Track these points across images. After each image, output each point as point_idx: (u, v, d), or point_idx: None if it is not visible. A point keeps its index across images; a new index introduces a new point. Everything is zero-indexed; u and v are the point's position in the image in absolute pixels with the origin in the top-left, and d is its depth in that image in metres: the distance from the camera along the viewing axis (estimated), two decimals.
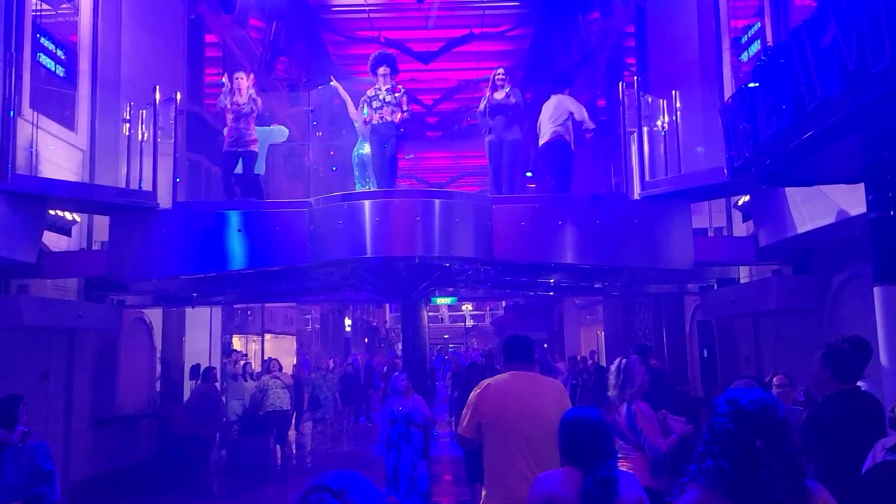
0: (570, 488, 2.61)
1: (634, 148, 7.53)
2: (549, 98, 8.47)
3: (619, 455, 4.10)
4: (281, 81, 13.92)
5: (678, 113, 7.64)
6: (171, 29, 10.05)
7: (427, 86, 14.98)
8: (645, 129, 7.47)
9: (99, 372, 9.15)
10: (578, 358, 13.62)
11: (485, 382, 3.75)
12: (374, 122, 7.72)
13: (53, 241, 7.65)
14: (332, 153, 9.51)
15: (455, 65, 14.48)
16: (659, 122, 7.65)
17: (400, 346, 17.20)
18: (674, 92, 7.71)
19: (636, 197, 7.49)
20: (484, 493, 3.63)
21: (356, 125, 8.47)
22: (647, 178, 7.44)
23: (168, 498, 8.93)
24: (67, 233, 7.87)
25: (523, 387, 3.62)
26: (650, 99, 7.71)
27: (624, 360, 4.34)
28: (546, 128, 8.18)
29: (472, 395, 3.72)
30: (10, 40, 6.45)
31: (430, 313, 11.23)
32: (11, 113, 6.28)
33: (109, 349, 9.31)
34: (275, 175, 9.89)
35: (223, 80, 8.19)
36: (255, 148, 7.96)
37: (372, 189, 7.85)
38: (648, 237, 7.45)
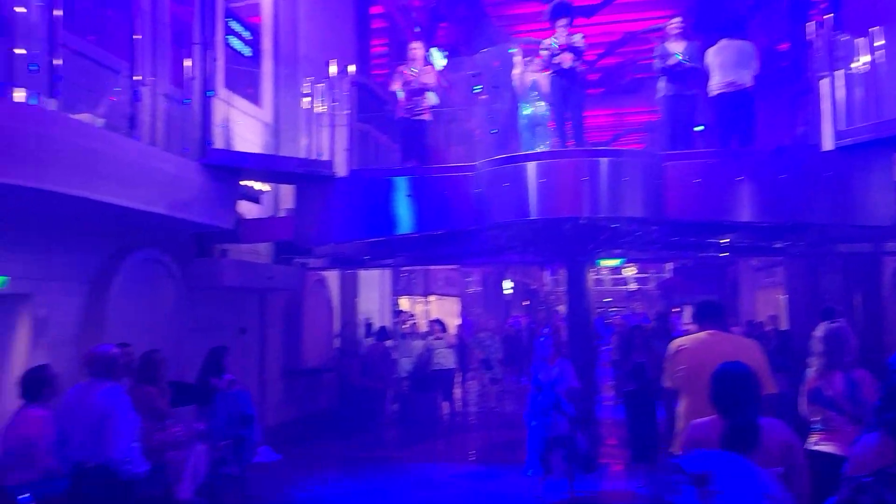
0: (713, 434, 2.85)
1: (826, 93, 6.84)
2: (717, 43, 7.90)
3: (825, 428, 3.85)
4: (442, 48, 14.13)
5: (879, 52, 6.81)
6: (343, 4, 10.52)
7: (589, 41, 14.48)
8: (839, 73, 6.75)
9: (286, 328, 10.02)
10: (755, 323, 12.81)
11: (680, 340, 4.26)
12: (555, 69, 7.72)
13: (246, 209, 8.41)
14: (492, 116, 9.56)
15: (619, 17, 13.84)
16: (855, 64, 6.87)
17: (561, 308, 17.10)
18: (873, 29, 6.88)
19: (828, 147, 6.83)
20: (678, 436, 3.86)
21: (514, 85, 8.47)
22: (841, 126, 6.75)
23: (349, 444, 9.66)
24: (257, 201, 8.61)
25: (717, 344, 3.98)
26: (845, 38, 6.94)
27: (833, 326, 4.05)
28: (724, 76, 7.64)
29: (669, 350, 4.25)
30: (205, 27, 7.08)
31: (593, 276, 11.03)
32: (210, 93, 6.94)
33: (295, 308, 10.13)
34: (437, 140, 10.13)
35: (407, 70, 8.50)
36: (427, 116, 8.24)
37: (542, 150, 7.83)
38: (841, 191, 6.79)
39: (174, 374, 6.74)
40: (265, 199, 8.89)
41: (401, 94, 8.26)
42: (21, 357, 5.88)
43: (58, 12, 5.26)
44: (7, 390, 5.73)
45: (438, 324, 12.57)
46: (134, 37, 6.47)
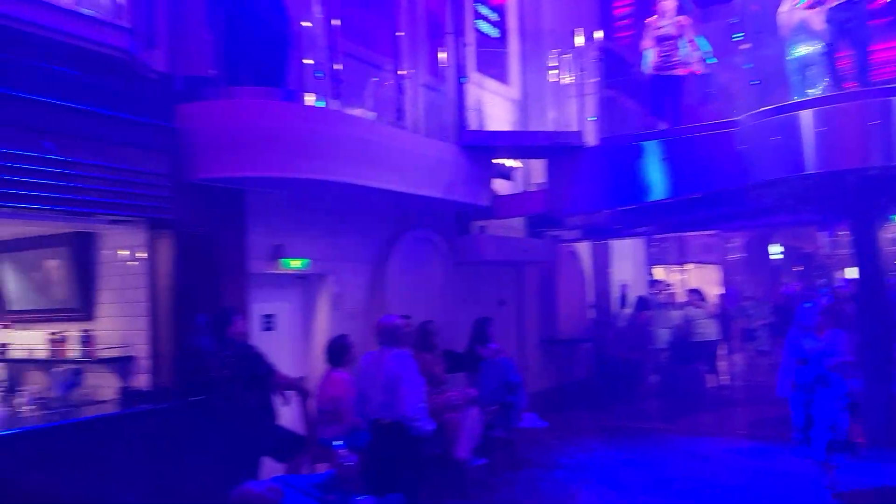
0: None
1: None
2: None
3: None
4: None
5: None
6: None
7: None
8: None
9: (542, 300, 10.26)
10: None
11: None
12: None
13: (499, 187, 8.74)
14: (755, 65, 8.73)
15: None
16: None
17: (842, 274, 15.22)
18: None
19: None
20: None
21: (780, 26, 7.62)
22: None
23: (607, 413, 9.64)
24: (509, 177, 8.91)
25: None
26: None
27: None
28: None
29: None
30: (456, 16, 7.46)
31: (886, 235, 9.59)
32: (463, 80, 7.31)
33: (548, 280, 10.33)
34: (692, 98, 9.55)
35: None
36: (680, 72, 7.85)
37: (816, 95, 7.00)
38: None
39: (444, 343, 7.30)
40: (516, 175, 9.17)
41: (651, 52, 7.93)
42: (322, 327, 6.80)
43: (335, 22, 5.91)
44: (314, 355, 6.70)
45: (697, 293, 11.97)
46: (396, 34, 7.02)
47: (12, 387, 5.72)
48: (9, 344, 5.90)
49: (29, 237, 5.78)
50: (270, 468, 5.27)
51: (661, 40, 7.88)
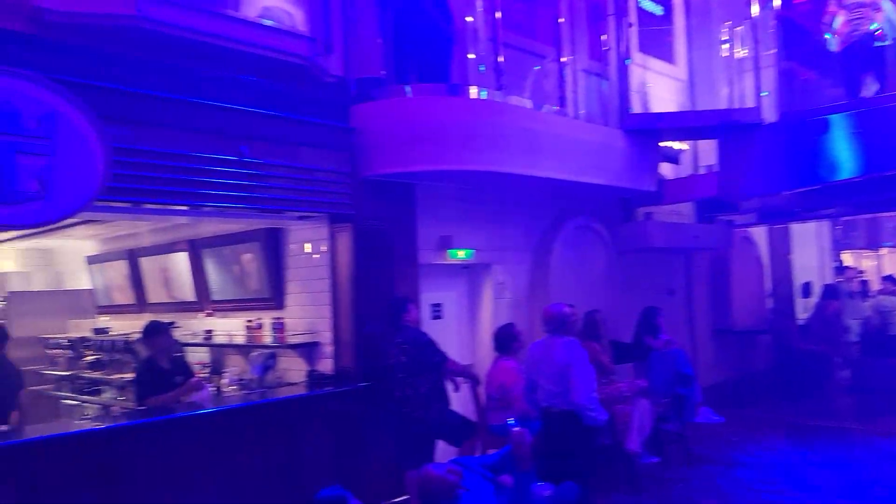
0: None
1: None
2: None
3: None
4: None
5: None
6: None
7: None
8: None
9: (713, 288, 9.74)
10: None
11: None
12: None
13: (665, 171, 8.38)
14: None
15: None
16: None
17: None
18: None
19: None
20: None
21: None
22: None
23: (791, 410, 8.97)
24: (676, 161, 8.52)
25: None
26: None
27: None
28: None
29: None
30: None
31: None
32: (627, 61, 7.08)
33: (721, 267, 9.77)
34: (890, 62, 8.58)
35: None
36: (873, 36, 7.09)
37: None
38: None
39: (609, 333, 7.13)
40: (683, 158, 8.75)
41: (839, 19, 7.22)
42: (487, 316, 6.92)
43: (497, 15, 5.96)
44: (480, 343, 6.83)
45: (892, 280, 10.79)
46: (557, 20, 6.94)
47: (217, 369, 6.41)
48: (213, 330, 6.60)
49: (226, 234, 6.41)
50: (444, 452, 5.46)
51: (850, 6, 7.14)
